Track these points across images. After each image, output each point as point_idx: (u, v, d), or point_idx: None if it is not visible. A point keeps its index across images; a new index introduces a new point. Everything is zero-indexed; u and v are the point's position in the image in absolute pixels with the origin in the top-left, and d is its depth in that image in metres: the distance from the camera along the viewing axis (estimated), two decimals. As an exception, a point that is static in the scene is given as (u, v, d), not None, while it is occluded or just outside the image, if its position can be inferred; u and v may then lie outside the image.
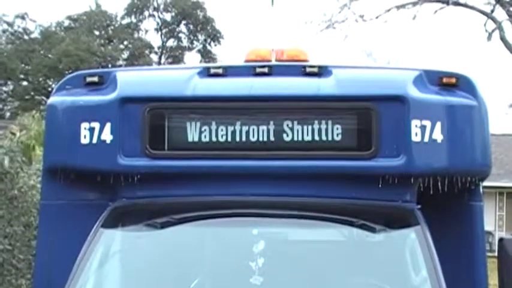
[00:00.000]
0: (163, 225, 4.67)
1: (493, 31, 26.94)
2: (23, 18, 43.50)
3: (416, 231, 4.38)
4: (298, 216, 4.62)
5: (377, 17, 27.75)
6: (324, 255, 4.50)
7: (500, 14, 26.95)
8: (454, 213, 4.74)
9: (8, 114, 40.27)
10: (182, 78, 4.65)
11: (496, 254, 4.52)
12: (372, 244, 4.60)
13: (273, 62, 4.83)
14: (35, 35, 43.49)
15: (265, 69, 4.62)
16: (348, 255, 4.53)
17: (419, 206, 4.55)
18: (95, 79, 4.72)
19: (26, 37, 43.35)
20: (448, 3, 26.72)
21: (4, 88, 43.61)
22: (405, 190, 4.52)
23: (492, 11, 27.06)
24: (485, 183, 4.95)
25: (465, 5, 27.55)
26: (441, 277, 4.13)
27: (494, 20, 27.00)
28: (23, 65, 41.94)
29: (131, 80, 4.76)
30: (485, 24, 27.27)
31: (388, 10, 27.07)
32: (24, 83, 43.11)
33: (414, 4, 26.93)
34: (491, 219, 29.71)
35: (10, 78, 42.26)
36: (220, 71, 4.65)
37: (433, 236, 4.35)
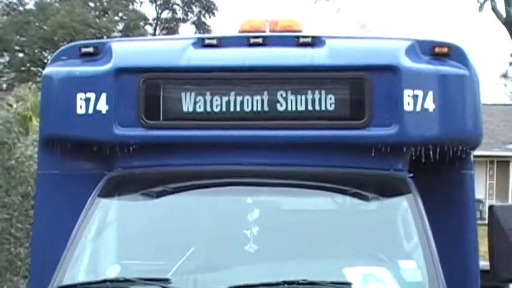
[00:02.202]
0: (159, 194, 4.68)
1: (484, 1, 26.86)
2: (17, -11, 43.13)
3: (408, 199, 4.40)
4: (293, 185, 4.63)
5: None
6: (318, 223, 4.52)
7: (492, -17, 26.81)
8: (446, 182, 4.75)
9: (4, 85, 40.04)
10: (177, 48, 4.64)
11: (486, 221, 4.54)
12: (365, 212, 4.62)
13: (267, 33, 4.81)
14: (30, 6, 43.09)
15: (259, 40, 4.61)
16: (341, 223, 4.54)
17: (411, 175, 4.57)
18: (90, 50, 4.70)
19: (21, 8, 42.98)
20: (440, -26, 26.54)
21: (0, 60, 43.34)
22: (397, 159, 4.53)
23: (484, -19, 26.92)
24: (476, 152, 4.97)
25: (457, -24, 27.38)
26: (432, 244, 4.16)
27: (486, -10, 26.87)
28: (18, 37, 41.60)
29: (126, 51, 4.75)
30: (477, -5, 27.15)
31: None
32: (20, 54, 42.80)
33: (407, -25, 26.80)
34: (481, 188, 29.81)
35: (6, 50, 41.96)
36: (214, 41, 4.63)
37: (424, 203, 4.37)
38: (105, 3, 44.84)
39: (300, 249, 4.31)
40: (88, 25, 40.27)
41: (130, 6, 45.29)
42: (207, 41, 4.64)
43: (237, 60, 4.54)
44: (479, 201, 26.53)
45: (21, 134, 9.88)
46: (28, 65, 42.60)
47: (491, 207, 4.44)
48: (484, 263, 4.76)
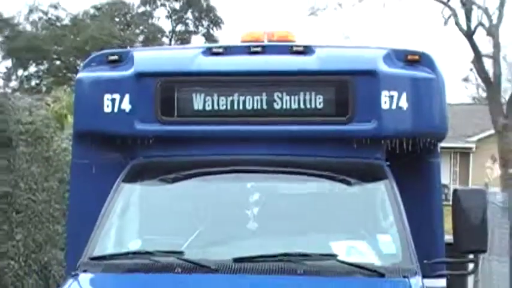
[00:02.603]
0: (174, 180, 4.68)
1: (449, 17, 26.78)
2: (55, 7, 43.01)
3: (385, 183, 4.40)
4: (288, 172, 4.62)
5: (353, 5, 27.81)
6: (309, 205, 4.52)
7: (455, 2, 26.82)
8: (417, 169, 4.75)
9: (44, 88, 40.03)
10: (189, 56, 4.63)
11: (450, 203, 4.53)
12: (349, 195, 4.61)
13: (265, 43, 4.79)
14: (66, 22, 43.06)
15: (259, 49, 4.60)
16: (328, 204, 4.53)
17: (388, 163, 4.56)
18: (116, 57, 4.70)
19: (58, 24, 42.94)
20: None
21: (41, 67, 43.33)
22: (376, 149, 4.52)
23: (448, 0, 26.86)
24: (442, 144, 4.95)
25: (426, -5, 27.30)
26: (405, 222, 4.16)
27: (449, 7, 26.84)
28: (56, 47, 41.55)
29: (146, 58, 4.75)
30: (442, 11, 27.14)
31: (361, 0, 26.89)
32: (57, 62, 42.82)
33: (383, -6, 26.77)
34: (446, 174, 29.78)
35: (45, 58, 41.92)
36: (221, 50, 4.63)
37: (399, 187, 4.36)
38: (128, 19, 44.84)
39: (294, 227, 4.30)
40: (114, 37, 40.26)
41: (150, 21, 45.32)
42: (214, 50, 4.63)
43: (239, 66, 4.54)
44: (445, 185, 26.43)
45: (58, 129, 9.86)
46: (64, 71, 42.63)
47: (455, 191, 4.42)
48: (448, 237, 4.75)
